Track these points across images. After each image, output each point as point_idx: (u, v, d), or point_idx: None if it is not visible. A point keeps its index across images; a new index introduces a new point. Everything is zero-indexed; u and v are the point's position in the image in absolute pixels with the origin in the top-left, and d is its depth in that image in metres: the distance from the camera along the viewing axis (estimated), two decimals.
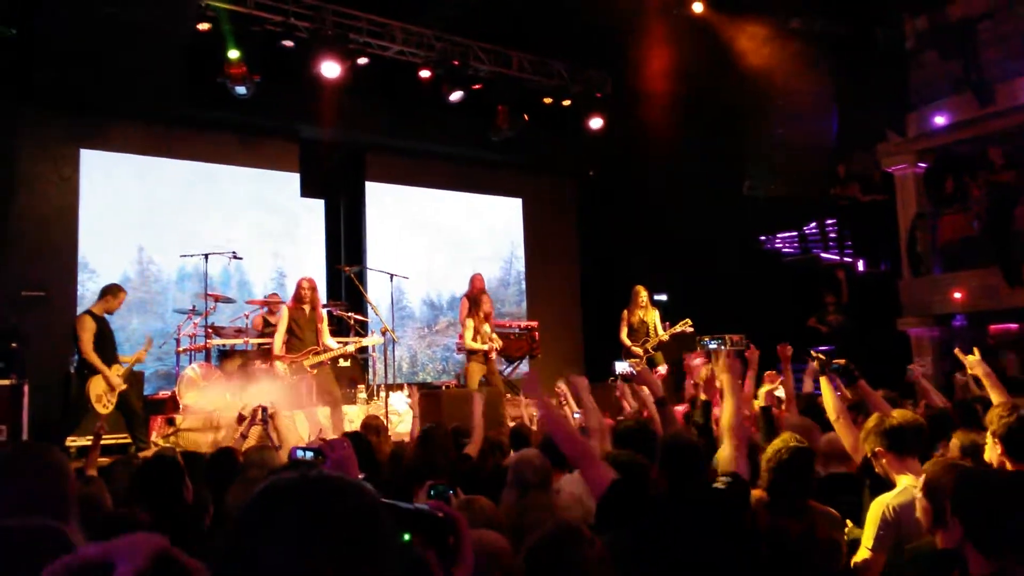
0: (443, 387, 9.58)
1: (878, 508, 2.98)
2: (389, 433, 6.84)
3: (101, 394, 6.80)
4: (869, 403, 4.11)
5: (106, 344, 6.91)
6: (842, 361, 4.19)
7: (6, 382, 6.82)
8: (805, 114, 9.59)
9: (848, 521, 3.19)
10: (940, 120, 9.79)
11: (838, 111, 9.75)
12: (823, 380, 4.06)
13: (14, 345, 7.07)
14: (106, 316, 7.07)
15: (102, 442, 5.50)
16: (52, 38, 7.99)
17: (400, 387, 9.14)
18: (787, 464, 2.99)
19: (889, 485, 3.31)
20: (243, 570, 0.96)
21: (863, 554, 2.96)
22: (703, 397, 5.22)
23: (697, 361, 6.61)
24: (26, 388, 6.91)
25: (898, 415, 3.29)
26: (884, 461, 3.17)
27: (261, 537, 0.97)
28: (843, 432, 3.76)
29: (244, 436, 5.14)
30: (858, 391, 4.26)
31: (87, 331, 6.78)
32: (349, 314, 9.60)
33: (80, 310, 9.03)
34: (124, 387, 6.96)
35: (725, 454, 3.41)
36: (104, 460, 6.34)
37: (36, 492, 1.86)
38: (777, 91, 9.46)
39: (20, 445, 2.38)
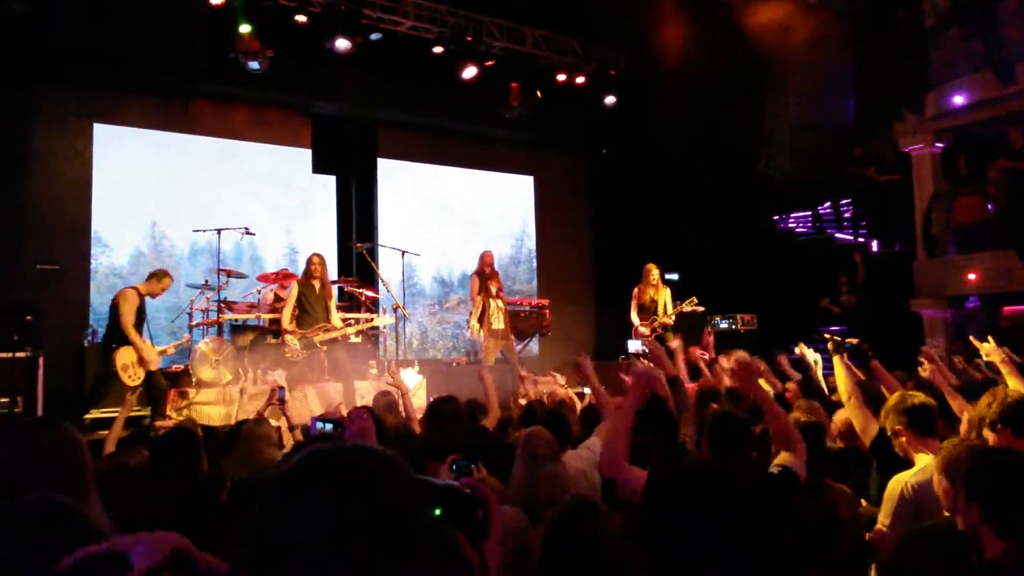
0: (454, 363, 9.61)
1: (896, 485, 2.98)
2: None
3: (128, 364, 6.84)
4: (882, 383, 4.09)
5: (141, 322, 7.01)
6: (855, 340, 4.18)
7: (21, 355, 6.87)
8: (822, 92, 9.48)
9: (863, 500, 3.20)
10: (959, 100, 9.66)
11: (855, 90, 9.63)
12: (836, 360, 4.05)
13: (29, 318, 7.11)
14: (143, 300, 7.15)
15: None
16: (66, 13, 7.97)
17: (411, 363, 9.18)
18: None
19: (900, 463, 3.31)
20: (277, 538, 0.97)
21: (880, 530, 2.96)
22: (728, 383, 5.22)
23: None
24: (41, 361, 6.97)
25: (920, 395, 3.28)
26: (904, 439, 3.16)
27: (295, 505, 0.97)
28: (854, 412, 3.75)
29: (261, 415, 5.17)
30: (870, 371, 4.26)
31: (130, 304, 6.87)
32: (360, 290, 9.61)
33: (93, 284, 9.11)
34: (156, 368, 7.03)
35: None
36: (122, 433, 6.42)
37: (53, 469, 1.86)
38: (794, 69, 9.35)
39: (36, 421, 2.37)
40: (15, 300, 7.27)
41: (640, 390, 3.16)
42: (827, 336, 4.19)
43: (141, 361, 6.90)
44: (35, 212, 8.91)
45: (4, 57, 8.39)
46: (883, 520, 2.96)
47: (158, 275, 7.19)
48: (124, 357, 6.84)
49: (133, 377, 6.88)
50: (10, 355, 6.76)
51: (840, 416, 4.27)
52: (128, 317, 6.82)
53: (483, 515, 1.22)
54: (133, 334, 6.83)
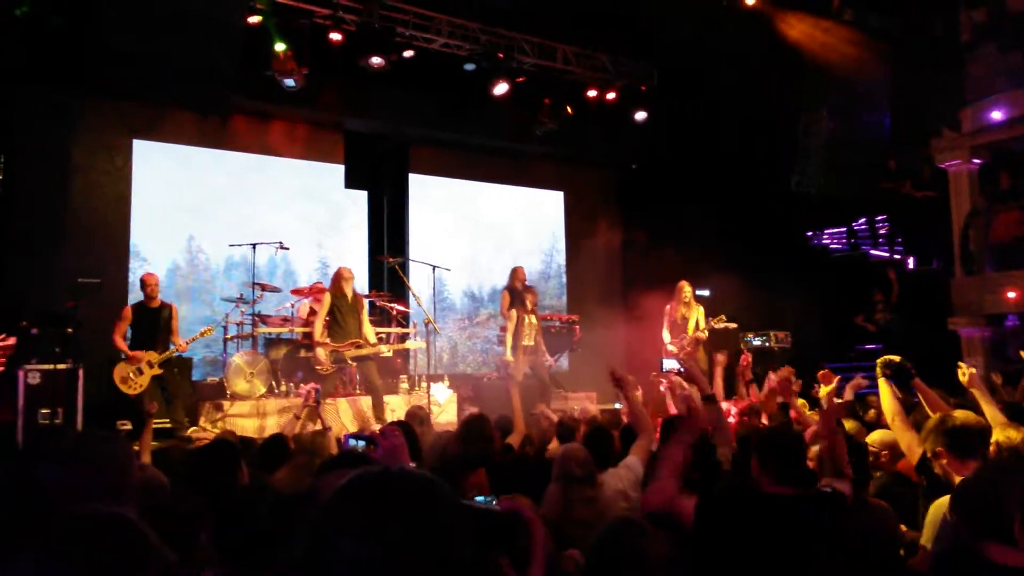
0: (484, 378, 9.62)
1: (938, 510, 2.92)
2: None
3: (126, 376, 7.21)
4: (926, 402, 4.03)
5: (141, 331, 7.38)
6: (897, 358, 4.10)
7: (62, 366, 7.01)
8: (857, 108, 9.39)
9: (903, 525, 3.15)
10: (996, 115, 9.53)
11: (891, 105, 9.53)
12: (881, 381, 3.99)
13: (69, 331, 7.26)
14: (151, 305, 7.48)
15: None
16: (106, 30, 8.15)
17: (441, 378, 9.21)
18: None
19: (946, 486, 3.25)
20: (324, 558, 0.98)
21: (923, 551, 2.91)
22: (780, 400, 5.17)
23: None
24: (81, 372, 7.10)
25: (960, 415, 3.22)
26: (944, 461, 3.11)
27: (342, 527, 0.99)
28: (899, 433, 3.70)
29: (298, 417, 5.23)
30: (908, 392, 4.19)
31: (121, 320, 7.39)
32: (392, 304, 9.68)
33: (131, 297, 9.29)
34: (158, 371, 7.24)
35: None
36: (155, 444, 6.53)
37: (98, 480, 1.89)
38: (829, 84, 9.28)
39: (83, 433, 2.42)
40: (56, 312, 7.41)
41: (694, 427, 3.10)
42: (879, 362, 4.09)
43: (140, 370, 7.20)
44: (76, 226, 9.09)
45: (46, 73, 8.60)
46: (926, 544, 2.92)
47: (140, 284, 7.66)
48: (121, 371, 7.24)
49: (133, 386, 7.22)
50: (51, 367, 6.89)
51: (879, 437, 4.21)
52: (114, 332, 7.32)
53: (527, 541, 1.22)
54: (118, 344, 7.29)
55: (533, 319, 8.66)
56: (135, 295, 9.43)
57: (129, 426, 7.50)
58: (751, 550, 2.17)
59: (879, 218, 10.52)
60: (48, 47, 8.18)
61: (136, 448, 5.15)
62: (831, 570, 2.33)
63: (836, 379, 5.30)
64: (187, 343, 7.55)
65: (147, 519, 1.98)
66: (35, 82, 8.74)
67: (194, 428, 7.48)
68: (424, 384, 8.97)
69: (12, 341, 7.00)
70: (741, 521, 2.22)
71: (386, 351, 8.35)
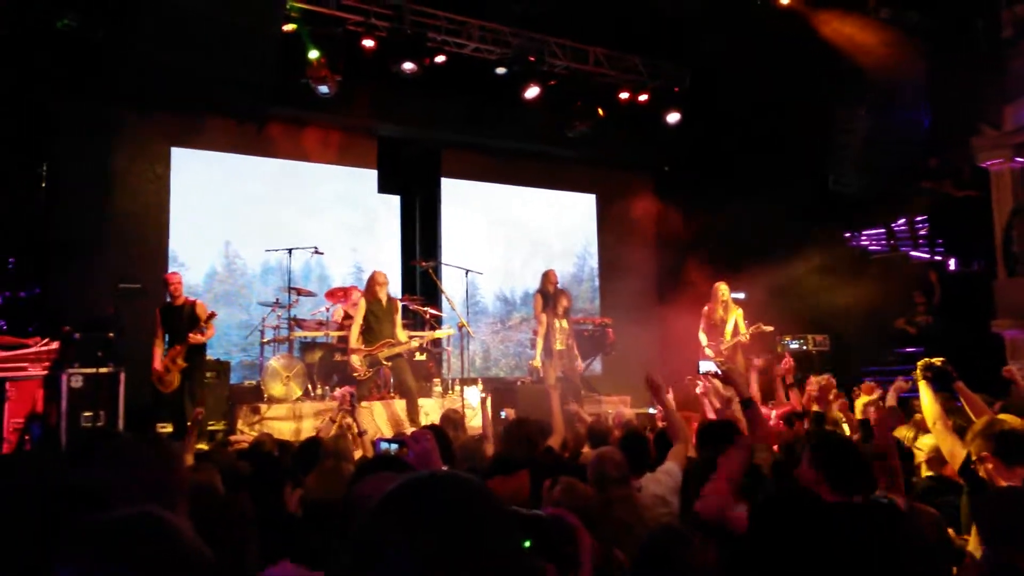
0: (518, 383, 9.61)
1: None
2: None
3: (161, 375, 7.42)
4: (968, 406, 3.93)
5: (169, 330, 7.62)
6: (938, 361, 4.00)
7: (104, 370, 7.14)
8: (895, 107, 9.22)
9: (950, 529, 3.08)
10: None
11: (930, 104, 9.35)
12: (922, 384, 3.91)
13: (111, 335, 7.40)
14: (176, 304, 7.66)
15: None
16: (146, 41, 8.31)
17: (474, 381, 9.22)
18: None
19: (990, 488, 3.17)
20: (372, 563, 0.99)
21: (972, 558, 2.84)
22: (816, 408, 5.10)
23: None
24: (122, 376, 7.23)
25: (1009, 420, 3.14)
26: (990, 466, 3.03)
27: (391, 532, 0.99)
28: (941, 437, 3.62)
29: (333, 420, 5.27)
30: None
31: (156, 326, 7.65)
32: (425, 308, 9.72)
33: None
34: (183, 364, 7.42)
35: None
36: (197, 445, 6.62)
37: (146, 483, 1.91)
38: (866, 83, 9.13)
39: (130, 436, 2.45)
40: (98, 317, 7.56)
41: (757, 437, 3.04)
42: (920, 365, 4.00)
43: (167, 368, 7.39)
44: (116, 233, 9.26)
45: (87, 84, 8.80)
46: (973, 551, 2.85)
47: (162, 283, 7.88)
48: (156, 373, 7.46)
49: (167, 384, 7.39)
50: (94, 371, 7.02)
51: (926, 442, 4.12)
52: (155, 339, 7.58)
53: (572, 548, 1.22)
54: (154, 352, 7.56)
55: (564, 323, 8.62)
56: None
57: (170, 429, 7.62)
58: (810, 559, 2.13)
59: (919, 218, 10.32)
60: (89, 59, 8.37)
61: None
62: None
63: (878, 390, 5.21)
64: (203, 333, 7.57)
65: (197, 522, 2.01)
66: (76, 93, 8.93)
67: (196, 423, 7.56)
68: (457, 388, 8.98)
69: (55, 346, 7.20)
70: (801, 529, 2.18)
71: (417, 344, 8.38)
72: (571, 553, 1.21)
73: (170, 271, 8.07)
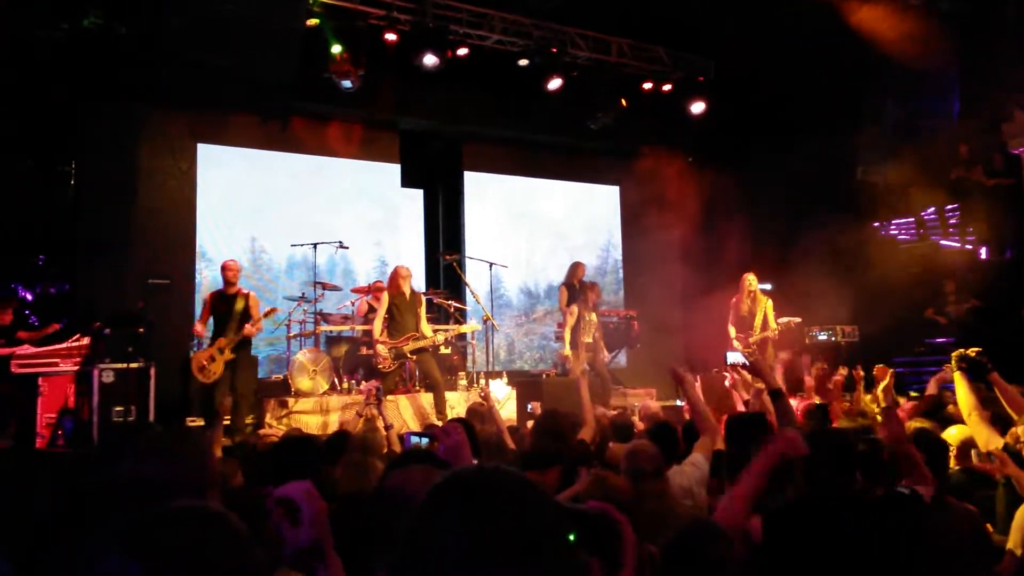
0: (543, 375, 9.60)
1: None
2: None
3: (202, 364, 7.34)
4: (1003, 397, 3.86)
5: (217, 318, 7.54)
6: (973, 352, 3.93)
7: (134, 365, 7.22)
8: (924, 94, 9.07)
9: (988, 525, 3.03)
10: None
11: (961, 90, 9.18)
12: (957, 375, 3.84)
13: (141, 330, 7.47)
14: (228, 292, 7.59)
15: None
16: (171, 39, 8.39)
17: (499, 374, 9.23)
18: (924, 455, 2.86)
19: None
20: (419, 556, 0.99)
21: (1011, 556, 2.79)
22: (817, 400, 5.04)
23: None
24: (152, 371, 7.31)
25: None
26: None
27: (443, 523, 1.00)
28: (977, 428, 3.56)
29: (360, 415, 5.29)
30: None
31: (204, 308, 7.61)
32: (449, 302, 9.74)
33: (198, 297, 9.53)
34: (230, 356, 7.36)
35: None
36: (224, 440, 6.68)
37: (181, 475, 1.93)
38: (895, 71, 8.98)
39: (163, 429, 2.46)
40: (128, 312, 7.64)
41: (776, 454, 3.00)
42: (953, 356, 3.93)
43: (213, 357, 7.32)
44: (144, 229, 9.37)
45: (114, 82, 8.89)
46: (1014, 548, 2.79)
47: (221, 268, 7.77)
48: (197, 360, 7.39)
49: (208, 375, 7.33)
50: (124, 366, 7.10)
51: (954, 433, 4.06)
52: (198, 320, 7.60)
53: (617, 542, 1.21)
54: (196, 330, 7.58)
55: (593, 316, 8.59)
56: (202, 295, 9.70)
57: (200, 422, 7.70)
58: (822, 565, 2.10)
59: (949, 207, 10.15)
60: (115, 57, 8.45)
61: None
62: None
63: (890, 373, 5.13)
64: (254, 325, 7.55)
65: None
66: (103, 91, 9.03)
67: (253, 425, 7.59)
68: (482, 381, 8.99)
69: (86, 341, 7.30)
70: (809, 537, 2.15)
71: (442, 339, 8.41)
72: (616, 548, 1.21)
73: (229, 259, 7.88)
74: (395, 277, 8.00)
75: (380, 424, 5.46)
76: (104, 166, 9.18)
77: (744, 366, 5.31)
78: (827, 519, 2.15)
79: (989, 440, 3.62)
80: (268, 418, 7.69)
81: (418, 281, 10.57)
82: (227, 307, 7.50)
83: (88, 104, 9.12)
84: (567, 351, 8.51)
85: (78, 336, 7.39)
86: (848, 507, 2.31)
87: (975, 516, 2.91)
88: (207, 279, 9.80)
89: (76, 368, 7.20)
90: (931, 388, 5.20)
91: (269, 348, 9.78)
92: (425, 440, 3.77)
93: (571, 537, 1.15)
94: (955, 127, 9.48)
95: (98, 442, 6.47)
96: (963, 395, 3.69)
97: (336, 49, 9.03)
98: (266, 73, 8.85)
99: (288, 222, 10.19)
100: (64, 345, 7.31)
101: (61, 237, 8.91)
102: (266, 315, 7.75)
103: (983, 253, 10.06)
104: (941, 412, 4.68)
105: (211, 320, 7.60)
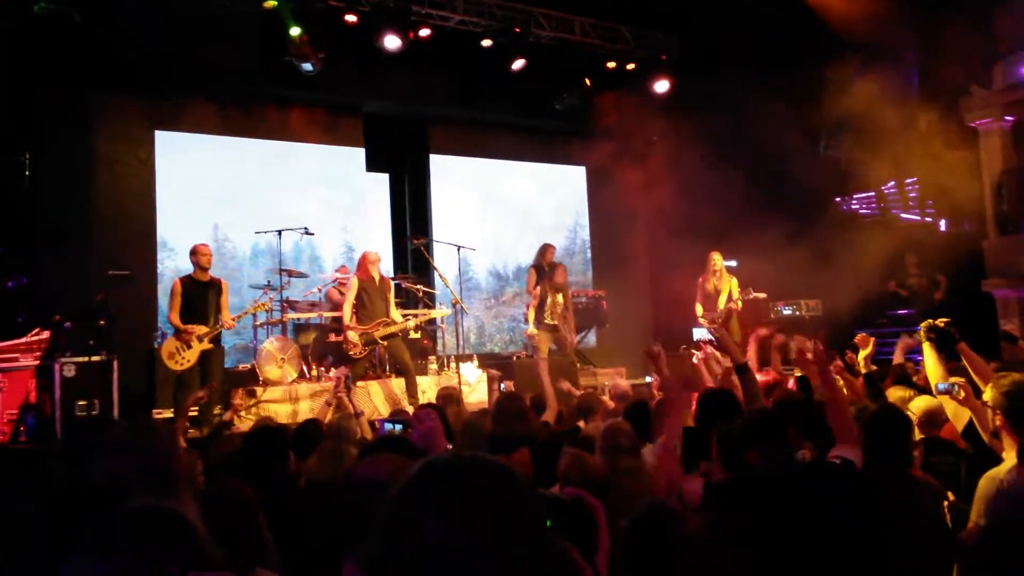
0: (513, 357, 9.62)
1: (990, 483, 2.83)
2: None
3: (173, 351, 7.00)
4: (971, 367, 3.92)
5: (191, 307, 7.10)
6: (942, 322, 3.96)
7: (96, 358, 7.10)
8: (885, 67, 9.17)
9: (950, 493, 3.09)
10: None
11: (919, 63, 9.30)
12: (926, 346, 3.90)
13: (102, 323, 7.34)
14: (202, 279, 7.23)
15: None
16: (125, 22, 8.18)
17: (470, 358, 9.22)
18: (886, 430, 2.90)
19: (992, 456, 3.18)
20: (402, 542, 0.99)
21: (973, 528, 2.85)
22: (797, 372, 5.10)
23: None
24: (115, 364, 7.19)
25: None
26: (999, 423, 2.97)
27: (422, 511, 1.00)
28: (945, 399, 3.62)
29: (329, 403, 5.25)
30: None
31: (173, 296, 7.14)
32: (417, 286, 9.69)
33: (160, 287, 9.36)
34: (207, 346, 7.10)
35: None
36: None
37: (151, 470, 1.89)
38: (854, 44, 9.07)
39: (126, 425, 2.41)
40: (89, 305, 7.49)
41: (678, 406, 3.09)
42: (923, 326, 3.97)
43: (188, 344, 7.00)
44: (103, 219, 9.17)
45: (66, 68, 8.65)
46: (977, 519, 2.84)
47: (192, 252, 7.29)
48: (168, 346, 7.04)
49: (180, 362, 6.99)
50: (86, 359, 6.98)
51: (919, 404, 4.13)
52: (170, 310, 7.11)
53: (592, 527, 1.22)
54: (174, 322, 7.05)
55: (560, 297, 8.60)
56: (164, 286, 9.55)
57: (165, 415, 7.60)
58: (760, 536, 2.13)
59: (908, 181, 10.31)
60: (67, 42, 8.20)
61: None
62: (855, 549, 2.28)
63: (871, 342, 5.22)
64: (236, 319, 7.39)
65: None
66: (55, 78, 8.79)
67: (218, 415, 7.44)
68: (453, 365, 8.98)
69: (46, 335, 7.15)
70: (739, 506, 2.19)
71: (412, 324, 8.37)
72: (590, 533, 1.21)
73: (199, 243, 7.40)
74: (364, 262, 7.94)
75: (350, 411, 5.43)
76: (59, 157, 8.94)
77: (710, 342, 5.36)
78: (760, 494, 2.19)
79: (957, 411, 3.69)
80: (236, 408, 7.60)
81: (386, 266, 10.50)
82: (201, 294, 7.16)
83: (41, 93, 8.87)
84: (532, 329, 8.51)
85: (38, 330, 7.23)
86: (779, 480, 2.35)
87: (937, 489, 2.96)
88: (170, 269, 9.64)
89: (37, 363, 7.06)
90: (897, 356, 5.29)
91: (236, 337, 9.66)
92: (398, 426, 3.76)
93: (547, 523, 1.16)
94: (914, 100, 9.60)
95: (62, 439, 6.35)
96: (931, 365, 3.75)
97: (295, 31, 8.88)
98: (224, 57, 8.67)
99: (252, 209, 10.04)
100: (24, 340, 7.15)
101: (18, 230, 8.68)
102: (254, 309, 7.65)
103: (942, 225, 10.25)
104: (909, 380, 4.76)
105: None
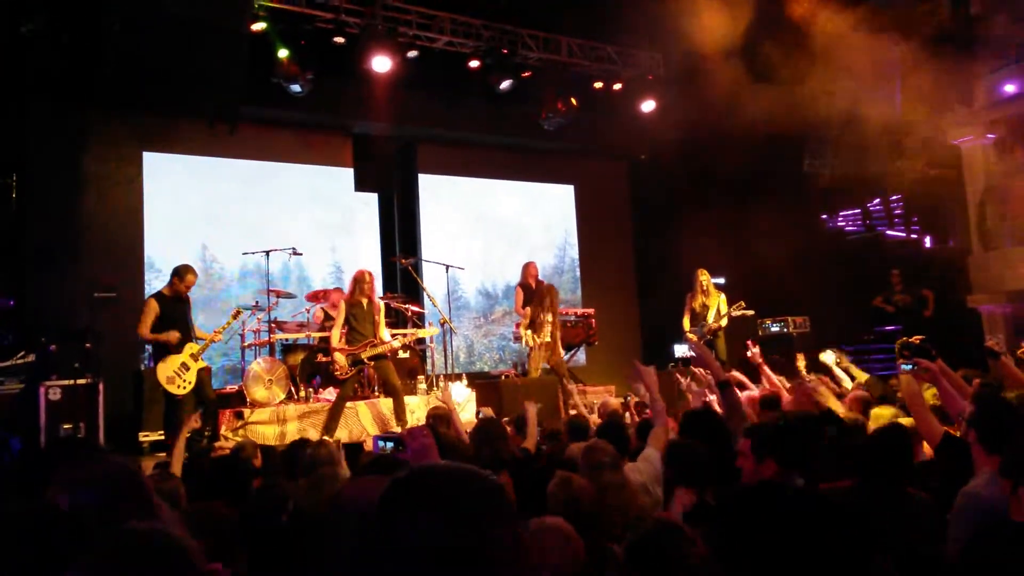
0: (502, 376, 9.59)
1: (966, 499, 2.84)
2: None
3: (172, 375, 6.89)
4: (949, 383, 3.95)
5: (171, 325, 6.96)
6: (916, 339, 4.02)
7: (82, 381, 7.05)
8: (868, 86, 9.28)
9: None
10: (1010, 88, 9.40)
11: (901, 82, 9.42)
12: (901, 363, 3.93)
13: (88, 345, 7.29)
14: (179, 298, 7.14)
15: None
16: (114, 43, 8.19)
17: (459, 377, 9.20)
18: (885, 447, 2.93)
19: (965, 471, 3.18)
20: (376, 552, 1.00)
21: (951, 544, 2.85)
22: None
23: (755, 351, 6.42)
24: (101, 386, 7.14)
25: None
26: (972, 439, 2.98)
27: (396, 521, 1.00)
28: (919, 416, 3.64)
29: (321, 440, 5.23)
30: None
31: (147, 311, 6.94)
32: (406, 306, 9.68)
33: None
34: (203, 364, 7.04)
35: None
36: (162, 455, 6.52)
37: (120, 503, 1.86)
38: (838, 64, 9.18)
39: (94, 459, 2.35)
40: (75, 327, 7.45)
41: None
42: (898, 344, 4.02)
43: (185, 366, 6.90)
44: (90, 240, 9.12)
45: (54, 88, 8.66)
46: (955, 535, 2.84)
47: (178, 272, 7.17)
48: (165, 370, 6.89)
49: (182, 384, 6.89)
50: (72, 382, 6.92)
51: (880, 413, 4.17)
52: (141, 327, 6.90)
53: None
54: (144, 334, 6.90)
55: (550, 316, 8.61)
56: None
57: (152, 438, 7.54)
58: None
59: (894, 198, 10.41)
60: (55, 62, 8.21)
61: (167, 459, 5.14)
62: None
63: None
64: (220, 331, 7.33)
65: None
66: (43, 98, 8.79)
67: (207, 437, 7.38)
68: (442, 384, 8.96)
69: (32, 358, 7.10)
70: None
71: (399, 344, 8.33)
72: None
73: (185, 263, 7.36)
74: (355, 283, 7.87)
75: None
76: (47, 177, 8.91)
77: (692, 358, 5.38)
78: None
79: (930, 429, 3.70)
80: (224, 430, 7.55)
81: (375, 285, 10.47)
82: (181, 312, 7.12)
83: (28, 113, 8.86)
84: (529, 340, 8.54)
85: (23, 353, 7.18)
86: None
87: (930, 504, 2.96)
88: (157, 290, 9.59)
89: (22, 386, 7.00)
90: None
91: (223, 358, 9.62)
92: (391, 445, 3.74)
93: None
94: (898, 118, 9.71)
95: (18, 463, 6.23)
96: (905, 383, 3.77)
97: (283, 53, 8.92)
98: (213, 78, 8.69)
99: (240, 230, 10.02)
100: (9, 363, 7.10)
101: (4, 251, 8.64)
102: (234, 317, 7.58)
103: (927, 242, 10.34)
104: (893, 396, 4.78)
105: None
